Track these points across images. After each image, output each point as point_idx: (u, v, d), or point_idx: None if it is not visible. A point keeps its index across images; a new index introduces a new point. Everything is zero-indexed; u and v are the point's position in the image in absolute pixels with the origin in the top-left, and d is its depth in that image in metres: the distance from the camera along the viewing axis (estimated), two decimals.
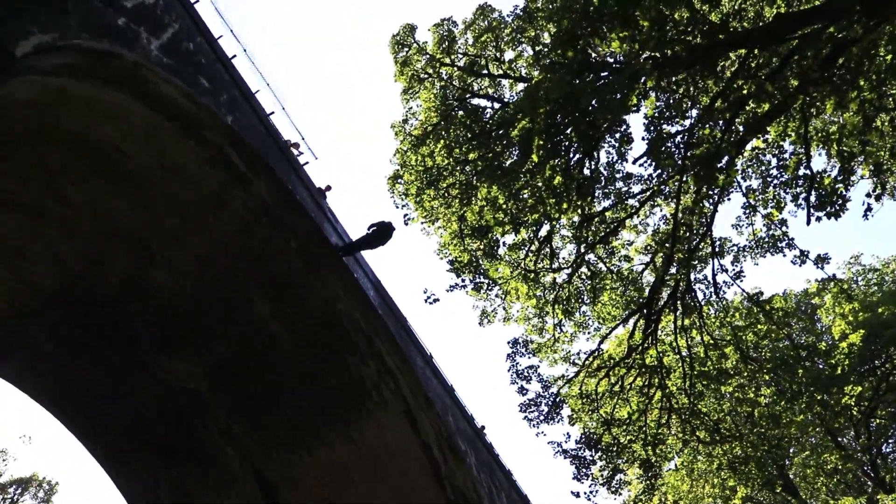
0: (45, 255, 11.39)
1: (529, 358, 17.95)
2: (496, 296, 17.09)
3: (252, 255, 12.12)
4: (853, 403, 21.72)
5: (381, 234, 12.79)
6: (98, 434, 14.87)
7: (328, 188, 14.19)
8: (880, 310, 23.38)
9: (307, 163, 13.81)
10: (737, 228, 16.83)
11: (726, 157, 13.67)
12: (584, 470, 17.48)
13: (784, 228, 16.15)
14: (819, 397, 20.53)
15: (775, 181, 15.39)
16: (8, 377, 14.04)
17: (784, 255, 16.46)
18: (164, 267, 12.03)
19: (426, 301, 16.10)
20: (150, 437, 14.61)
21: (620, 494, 19.01)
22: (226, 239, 11.75)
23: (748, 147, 15.18)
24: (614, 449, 17.27)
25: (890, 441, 29.04)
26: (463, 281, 16.22)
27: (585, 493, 17.54)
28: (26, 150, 9.30)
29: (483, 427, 16.94)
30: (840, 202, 13.31)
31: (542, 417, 17.30)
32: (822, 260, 15.83)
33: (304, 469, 14.28)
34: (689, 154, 13.57)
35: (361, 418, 13.92)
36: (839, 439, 28.97)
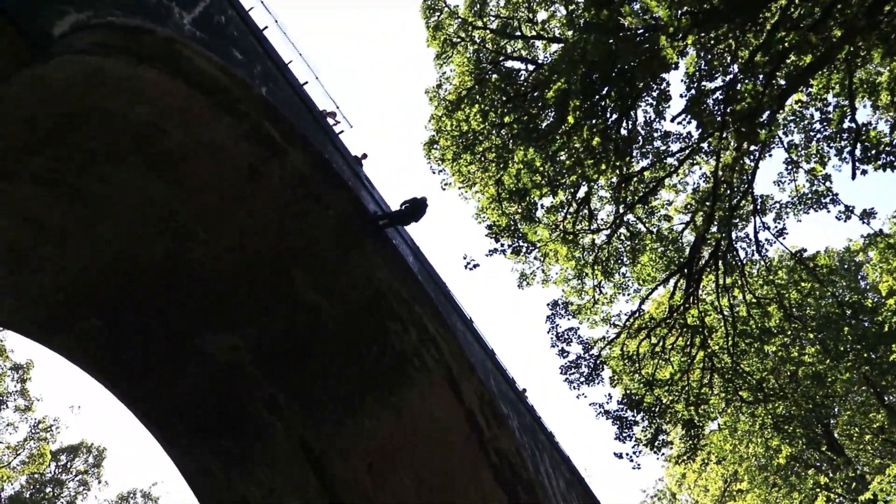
0: (88, 236, 11.58)
1: (569, 320, 17.95)
2: (535, 258, 17.07)
3: (291, 228, 12.20)
4: None
5: (413, 209, 12.72)
6: (149, 407, 15.23)
7: (364, 156, 14.20)
8: None
9: (342, 131, 13.83)
10: (779, 185, 16.51)
11: (767, 112, 13.36)
12: (626, 430, 17.50)
13: (828, 184, 15.83)
14: (865, 355, 20.19)
15: (818, 135, 15.04)
16: (60, 351, 14.40)
17: (828, 211, 16.16)
18: (205, 244, 12.16)
19: (466, 267, 16.14)
20: (199, 411, 14.92)
21: (663, 454, 19.01)
22: (265, 213, 11.83)
23: (790, 101, 14.82)
24: (656, 409, 17.24)
25: None
26: (502, 245, 16.19)
27: (628, 454, 17.59)
28: (66, 131, 9.42)
29: (524, 390, 17.01)
30: (893, 153, 12.93)
31: (582, 379, 17.31)
32: (867, 215, 15.48)
33: (348, 439, 14.46)
34: (729, 110, 13.27)
35: (404, 386, 14.04)
36: (885, 398, 28.51)
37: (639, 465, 17.56)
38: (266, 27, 11.26)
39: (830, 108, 14.67)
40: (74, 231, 11.44)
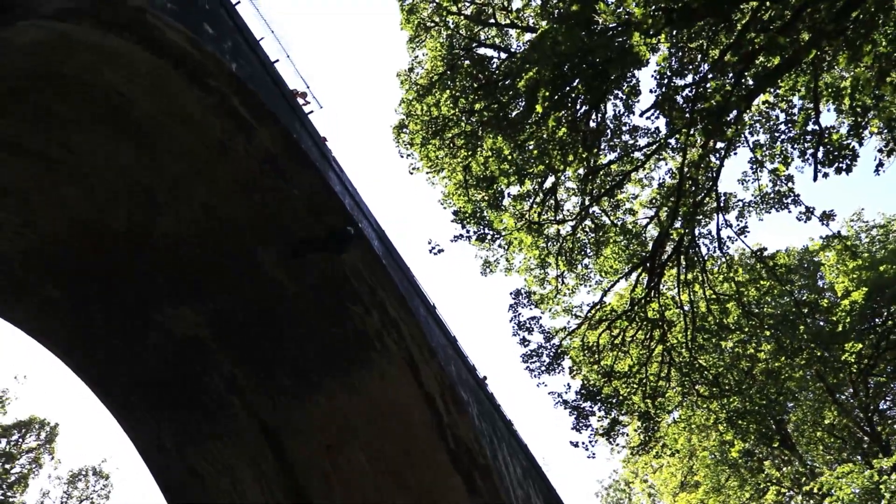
0: (52, 202, 11.38)
1: (531, 309, 18.08)
2: (499, 246, 17.12)
3: (257, 205, 12.10)
4: (853, 360, 21.87)
5: (337, 242, 12.60)
6: (105, 379, 15.04)
7: (324, 139, 14.09)
8: (883, 267, 23.35)
9: (312, 111, 13.70)
10: (742, 184, 16.74)
11: (735, 112, 13.54)
12: (583, 420, 17.70)
13: (790, 184, 16.08)
14: (819, 354, 20.68)
15: (783, 136, 15.27)
16: (17, 323, 14.15)
17: (789, 212, 16.43)
18: (170, 215, 12.02)
19: (430, 251, 16.15)
20: (156, 385, 14.78)
21: (619, 445, 19.30)
22: (231, 188, 11.72)
23: (757, 101, 15.03)
24: (614, 400, 17.47)
25: (888, 398, 29.32)
26: (467, 231, 16.23)
27: (584, 443, 17.80)
28: (32, 96, 9.23)
29: (485, 377, 17.11)
30: (850, 157, 13.19)
31: (543, 368, 17.46)
32: (827, 216, 15.78)
33: (306, 418, 14.44)
34: (697, 107, 13.43)
35: (364, 368, 14.04)
36: (837, 396, 29.22)
37: (594, 454, 17.86)
38: (238, 2, 11.10)
39: (796, 110, 14.91)
40: (37, 196, 11.23)
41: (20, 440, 40.78)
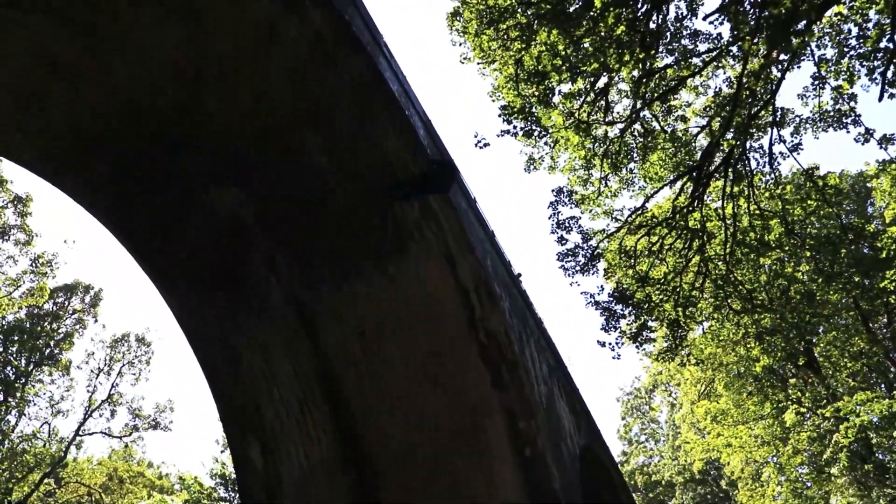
0: (101, 76, 11.36)
1: (572, 209, 17.94)
2: (545, 143, 16.86)
3: (306, 90, 11.99)
4: (892, 288, 21.56)
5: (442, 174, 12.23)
6: (154, 257, 15.35)
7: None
8: None
9: None
10: (802, 99, 16.14)
11: (805, 21, 12.96)
12: (613, 322, 17.85)
13: (852, 103, 15.54)
14: (857, 279, 20.43)
15: (852, 52, 14.63)
16: (67, 192, 14.44)
17: (847, 132, 15.93)
18: (217, 97, 11.96)
19: (476, 145, 15.94)
20: (200, 263, 15.07)
21: (644, 349, 19.54)
22: (280, 71, 11.58)
23: (830, 13, 14.34)
24: (645, 306, 17.56)
25: None
26: (514, 126, 15.98)
27: (611, 344, 18.04)
28: None
29: (519, 275, 17.22)
30: None
31: (578, 268, 17.50)
32: (886, 140, 15.31)
33: (343, 304, 14.66)
34: (765, 13, 12.86)
35: (402, 257, 14.14)
36: (870, 324, 29.05)
37: (619, 355, 18.09)
38: None
39: (870, 25, 14.21)
40: (87, 71, 11.23)
41: (66, 302, 42.50)
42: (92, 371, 42.67)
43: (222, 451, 35.25)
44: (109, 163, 13.26)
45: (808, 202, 17.98)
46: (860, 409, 20.61)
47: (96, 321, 42.89)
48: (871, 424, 21.05)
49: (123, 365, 43.15)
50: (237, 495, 27.16)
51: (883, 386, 26.75)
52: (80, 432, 41.06)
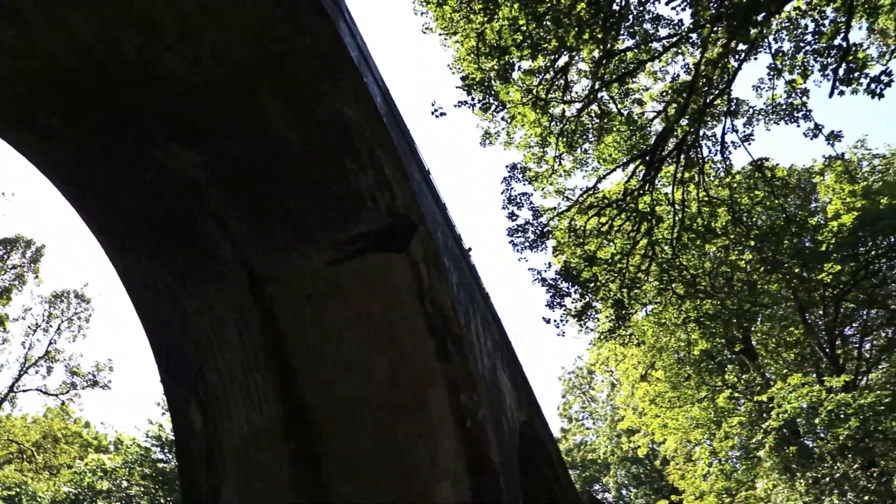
0: (58, 27, 10.99)
1: (524, 185, 18.01)
2: (502, 119, 16.90)
3: (268, 54, 11.77)
4: (829, 281, 22.28)
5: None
6: (100, 213, 14.99)
7: None
8: (879, 198, 23.44)
9: None
10: (756, 90, 16.45)
11: (764, 13, 13.16)
12: (558, 299, 18.06)
13: (804, 98, 15.86)
14: (797, 270, 21.05)
15: (808, 47, 14.91)
16: (16, 146, 13.99)
17: (798, 125, 16.24)
18: (178, 54, 11.63)
19: (433, 113, 15.86)
20: (149, 223, 14.77)
21: (588, 328, 19.85)
22: (241, 31, 11.35)
23: (789, 7, 14.59)
24: (591, 285, 17.81)
25: (854, 325, 30.10)
26: (472, 99, 15.92)
27: (556, 321, 18.26)
28: None
29: (470, 249, 17.30)
30: (886, 83, 13.00)
31: (527, 244, 17.60)
32: (834, 136, 15.64)
33: (293, 269, 14.57)
34: (726, 2, 13.03)
35: (355, 227, 14.09)
36: (807, 316, 29.95)
37: (563, 332, 18.36)
38: None
39: (827, 22, 14.48)
40: (42, 18, 10.85)
41: (5, 255, 41.24)
42: (29, 327, 41.62)
43: (163, 414, 34.82)
44: (61, 115, 12.86)
45: (756, 192, 18.35)
46: (791, 397, 21.28)
47: (36, 277, 41.76)
48: (799, 411, 21.78)
49: (62, 322, 42.19)
50: (174, 457, 26.89)
51: (815, 375, 27.63)
52: (15, 389, 40.12)
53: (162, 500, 27.92)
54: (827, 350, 28.91)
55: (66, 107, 12.68)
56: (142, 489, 28.08)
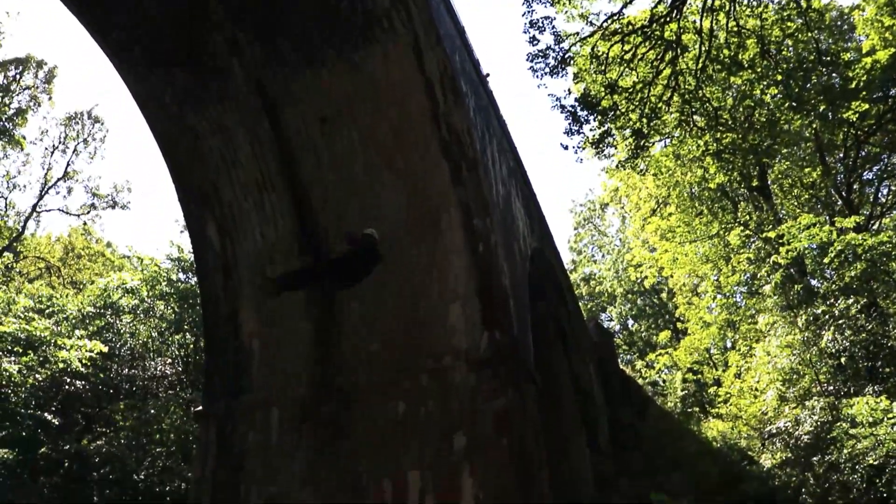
0: None
1: (546, 7, 17.20)
2: None
3: None
4: (854, 119, 21.69)
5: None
6: (110, 31, 14.60)
7: None
8: None
9: None
10: None
11: None
12: (576, 127, 17.80)
13: None
14: (822, 108, 20.44)
15: None
16: None
17: None
18: None
19: None
20: (159, 39, 14.46)
21: (605, 154, 19.67)
22: None
23: None
24: (611, 113, 17.47)
25: (873, 169, 29.72)
26: None
27: (574, 147, 18.11)
28: None
29: (488, 75, 16.89)
30: None
31: (547, 70, 17.10)
32: None
33: (305, 88, 14.38)
34: None
35: (368, 46, 13.71)
36: (826, 157, 29.56)
37: (581, 159, 18.29)
38: None
39: None
40: None
41: (18, 76, 40.72)
42: (46, 149, 41.86)
43: (181, 232, 35.52)
44: None
45: (788, 24, 17.54)
46: (801, 236, 21.37)
47: (51, 99, 41.47)
48: (808, 251, 21.97)
49: (78, 143, 42.37)
50: (194, 276, 27.79)
51: (827, 217, 27.63)
52: (38, 208, 40.99)
53: (184, 316, 29.17)
54: (843, 194, 28.75)
55: None
56: (163, 305, 29.30)
